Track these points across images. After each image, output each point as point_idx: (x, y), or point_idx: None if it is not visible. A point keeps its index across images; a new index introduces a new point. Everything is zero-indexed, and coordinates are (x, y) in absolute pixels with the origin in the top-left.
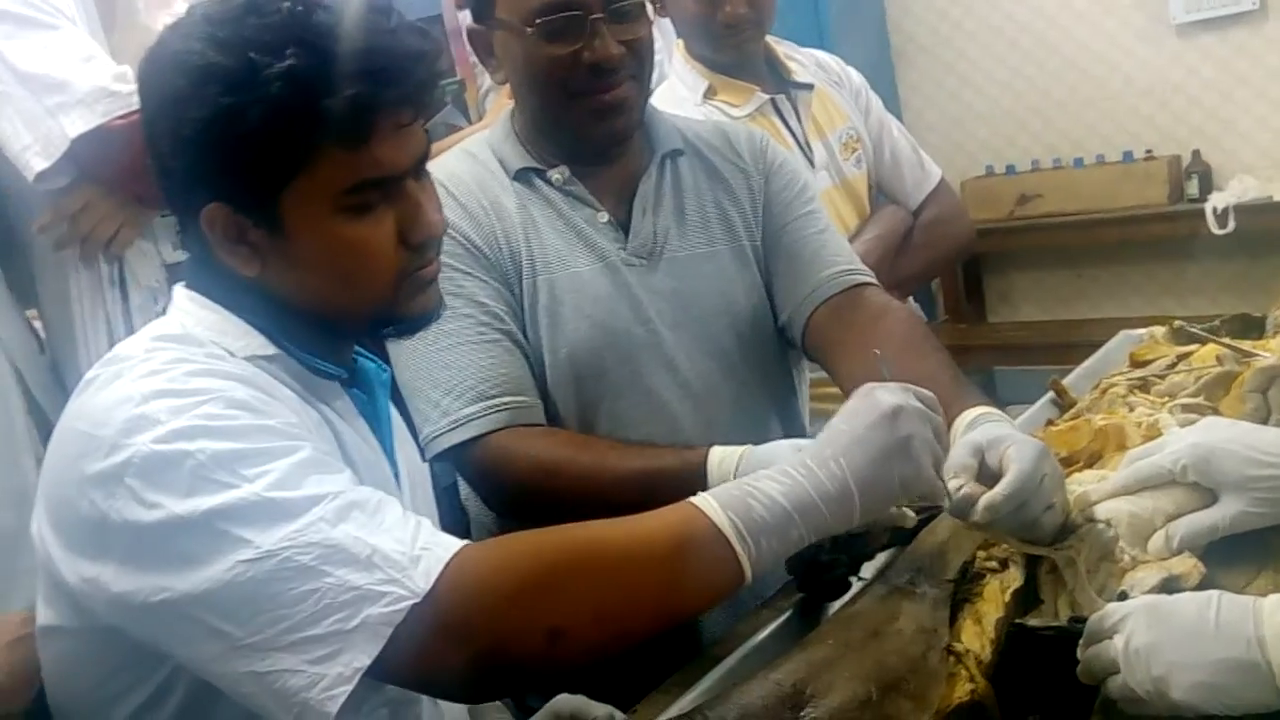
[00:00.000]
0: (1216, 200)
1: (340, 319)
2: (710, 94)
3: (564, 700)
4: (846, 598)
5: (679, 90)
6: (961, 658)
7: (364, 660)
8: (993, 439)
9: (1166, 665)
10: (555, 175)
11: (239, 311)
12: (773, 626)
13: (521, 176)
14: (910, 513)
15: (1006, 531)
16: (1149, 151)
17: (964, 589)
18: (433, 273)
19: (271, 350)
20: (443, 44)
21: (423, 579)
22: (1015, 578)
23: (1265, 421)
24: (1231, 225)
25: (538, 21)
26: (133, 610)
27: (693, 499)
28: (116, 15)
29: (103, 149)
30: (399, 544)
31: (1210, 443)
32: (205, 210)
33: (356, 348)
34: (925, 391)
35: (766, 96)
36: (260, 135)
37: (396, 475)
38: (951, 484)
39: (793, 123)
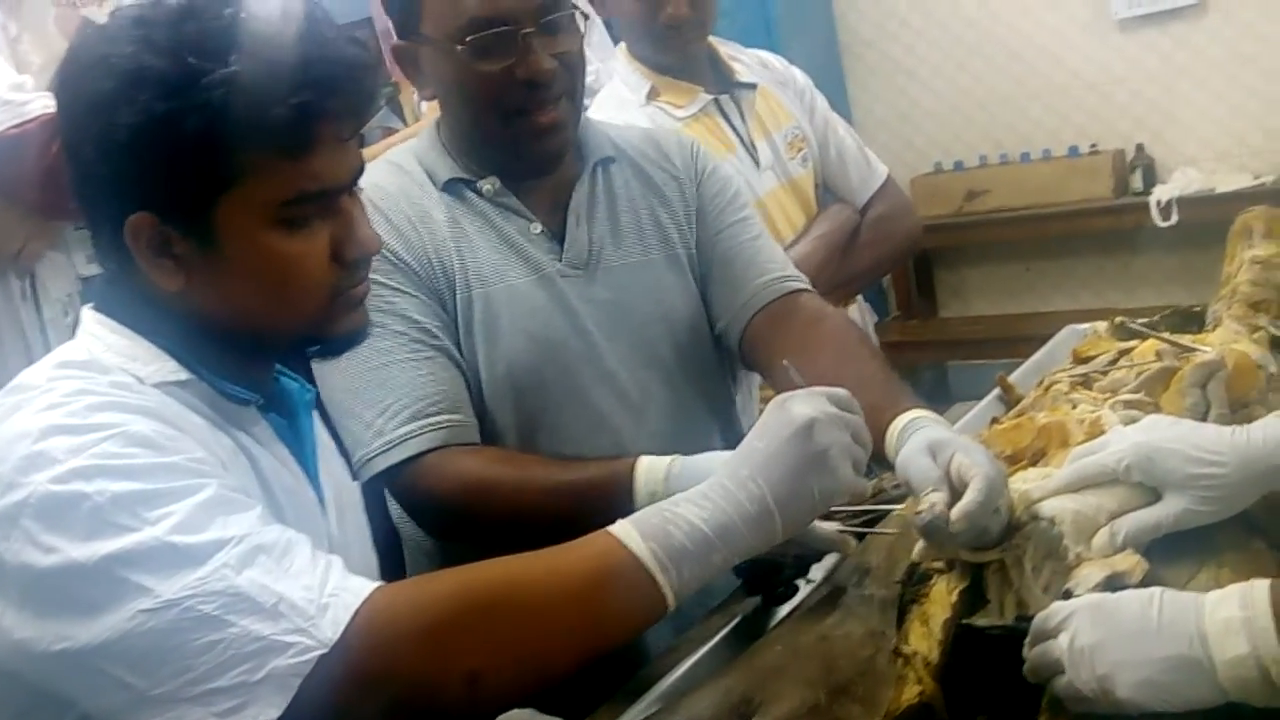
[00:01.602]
0: (1160, 193)
1: (266, 337)
2: (653, 95)
3: (515, 715)
4: (795, 601)
5: (622, 92)
6: (909, 660)
7: (271, 713)
8: (936, 444)
9: (1111, 664)
10: (486, 186)
11: (151, 334)
12: (722, 633)
13: (450, 188)
14: (851, 540)
15: (961, 544)
16: (1094, 146)
17: (911, 590)
18: (363, 292)
19: (184, 375)
20: (378, 51)
21: (330, 628)
22: (961, 578)
23: (1204, 416)
24: (1175, 218)
25: (467, 39)
26: (34, 658)
27: (611, 528)
28: (23, 23)
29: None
30: (306, 590)
31: (1153, 442)
32: (130, 220)
33: (279, 368)
34: (840, 392)
35: (710, 97)
36: (197, 143)
37: (322, 500)
38: (932, 498)
39: (737, 123)
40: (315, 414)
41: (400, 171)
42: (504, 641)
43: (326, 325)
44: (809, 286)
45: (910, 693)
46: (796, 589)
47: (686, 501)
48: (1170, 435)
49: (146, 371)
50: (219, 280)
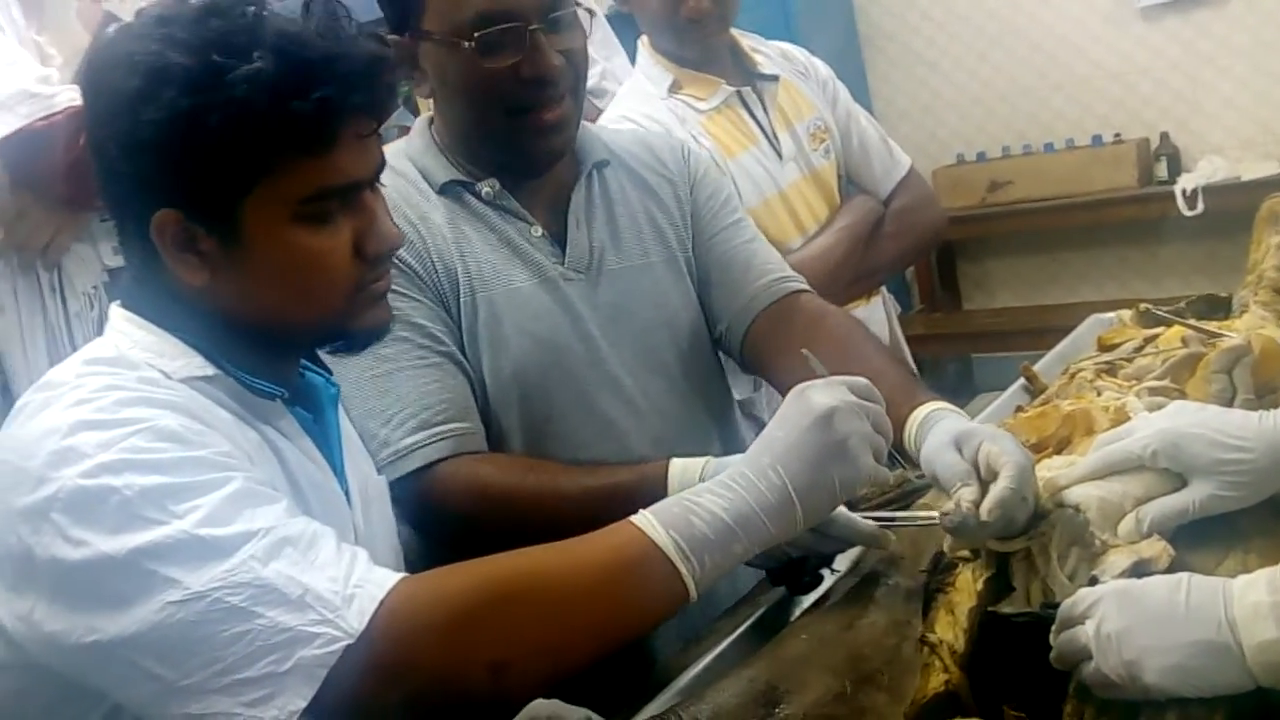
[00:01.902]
0: (1185, 182)
1: (289, 332)
2: (675, 88)
3: (540, 705)
4: (820, 590)
5: (644, 85)
6: (935, 648)
7: (299, 703)
8: (961, 435)
9: (1138, 649)
10: (485, 188)
11: (177, 330)
12: (748, 623)
13: (448, 190)
14: (890, 535)
15: (989, 534)
16: (1117, 135)
17: (936, 579)
18: (385, 286)
19: (210, 370)
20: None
21: (356, 618)
22: (987, 566)
23: (1231, 402)
24: (1201, 206)
25: (475, 35)
26: (65, 651)
27: (633, 518)
28: (45, 18)
29: (26, 152)
30: (332, 582)
31: (1179, 428)
32: (155, 217)
33: (304, 362)
34: (859, 380)
35: (732, 89)
36: (222, 140)
37: (347, 493)
38: (962, 494)
39: (759, 114)
40: (340, 408)
41: (394, 174)
42: (527, 632)
43: (349, 320)
44: (807, 286)
45: (936, 681)
46: (821, 578)
47: (707, 491)
48: (1196, 421)
49: (173, 367)
50: (243, 276)
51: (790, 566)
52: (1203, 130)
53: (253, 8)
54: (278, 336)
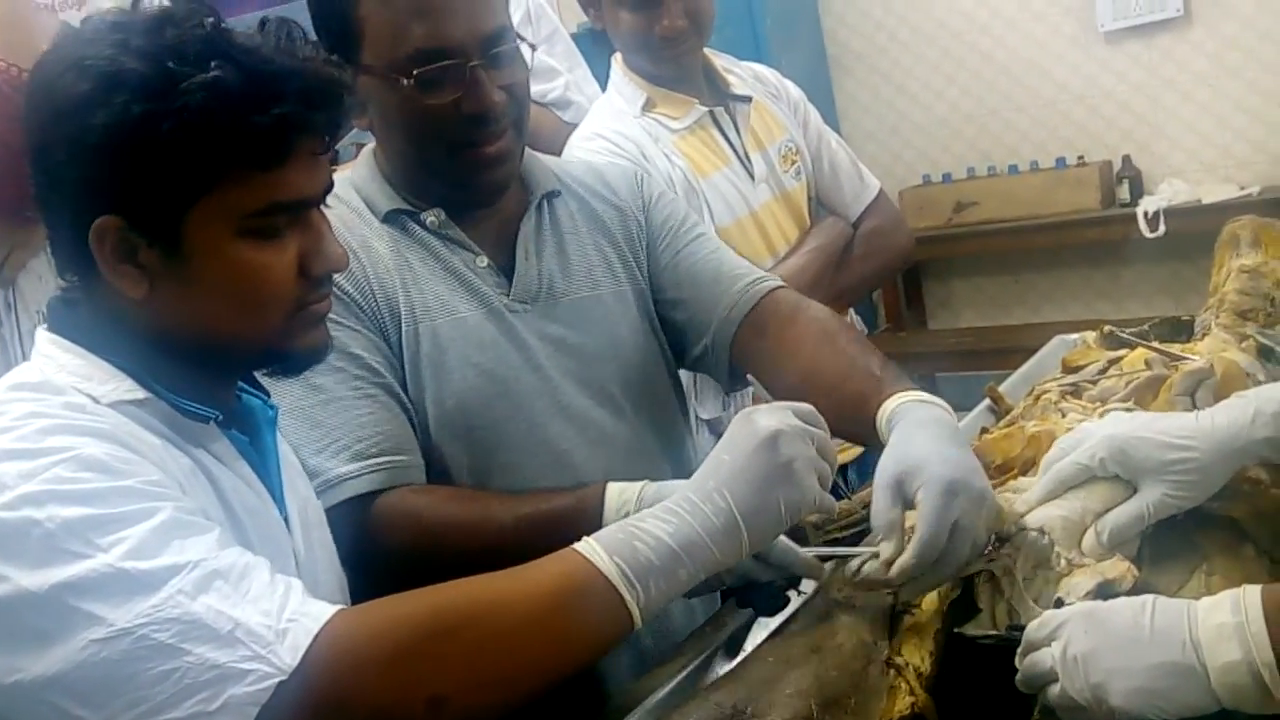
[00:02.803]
0: (1147, 204)
1: (227, 350)
2: (649, 106)
3: None
4: (787, 612)
5: (617, 103)
6: (901, 671)
7: None
8: (909, 469)
9: (1104, 672)
10: (430, 218)
11: (107, 352)
12: (715, 645)
13: (392, 219)
14: (824, 566)
15: (932, 583)
16: (1081, 157)
17: (903, 601)
18: (326, 308)
19: (140, 394)
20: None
21: (289, 654)
22: (953, 589)
23: None
24: (1163, 228)
25: (414, 72)
26: None
27: (577, 545)
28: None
29: None
30: (265, 616)
31: (1123, 433)
32: (96, 224)
33: (242, 384)
34: (803, 406)
35: (705, 109)
36: (173, 148)
37: (287, 519)
38: (883, 547)
39: (731, 135)
40: (279, 431)
41: (338, 201)
42: (468, 664)
43: (288, 340)
44: (780, 282)
45: (902, 704)
46: (788, 600)
47: (652, 517)
48: (1138, 425)
49: (102, 391)
50: (183, 289)
51: (757, 586)
52: (1164, 153)
53: (210, 19)
54: (215, 355)
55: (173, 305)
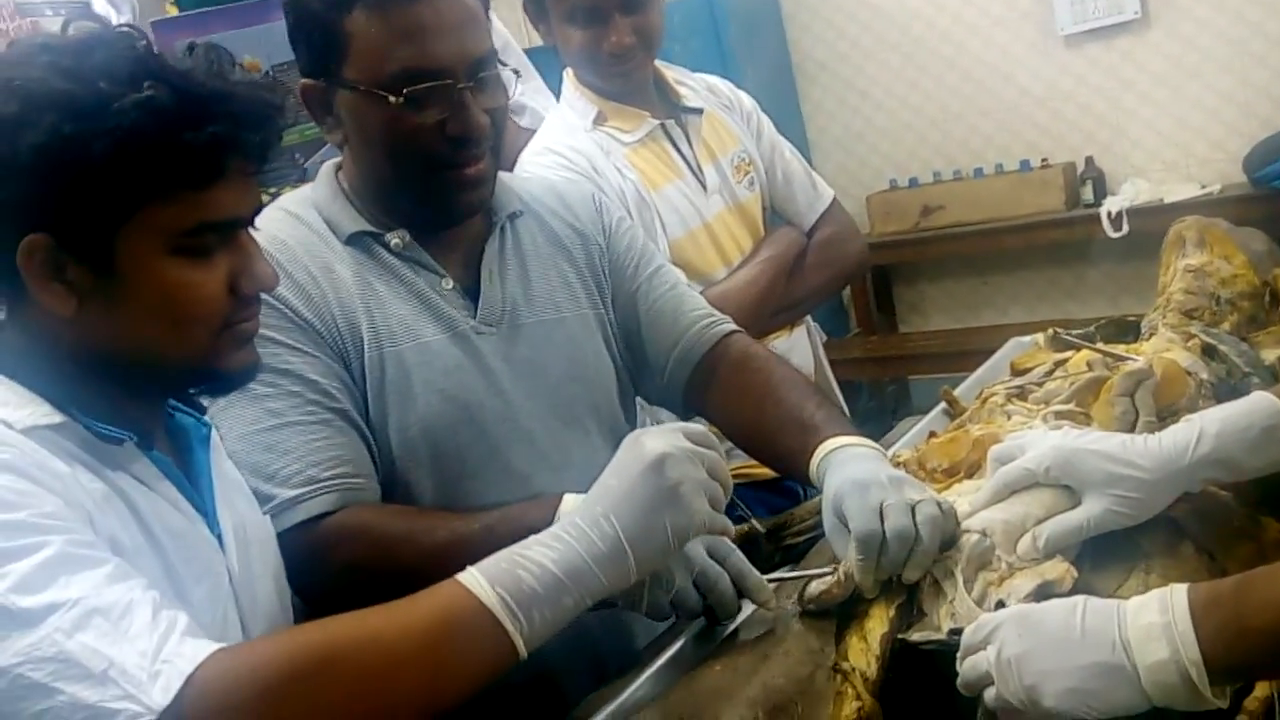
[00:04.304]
0: (1110, 204)
1: (155, 368)
2: (600, 120)
3: None
4: (738, 620)
5: (569, 117)
6: (848, 676)
7: None
8: (833, 497)
9: (1037, 673)
10: (394, 240)
11: (26, 376)
12: (667, 655)
13: (356, 241)
14: (768, 589)
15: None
16: (1044, 160)
17: (850, 606)
18: (254, 328)
19: (57, 418)
20: (287, 102)
21: (161, 694)
22: (899, 593)
23: (1133, 424)
24: (1126, 228)
25: (404, 91)
26: None
27: (459, 576)
28: None
29: None
30: (141, 656)
31: (1071, 445)
32: (25, 242)
33: (176, 404)
34: (696, 427)
35: (657, 122)
36: (107, 167)
37: (220, 537)
38: (852, 558)
39: (684, 147)
40: (215, 449)
41: (298, 222)
42: (345, 701)
43: (215, 359)
44: (735, 326)
45: (849, 709)
46: (739, 608)
47: (537, 543)
48: (1089, 439)
49: (17, 416)
50: (112, 306)
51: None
52: (1126, 154)
53: (143, 42)
54: (142, 374)
55: (100, 323)
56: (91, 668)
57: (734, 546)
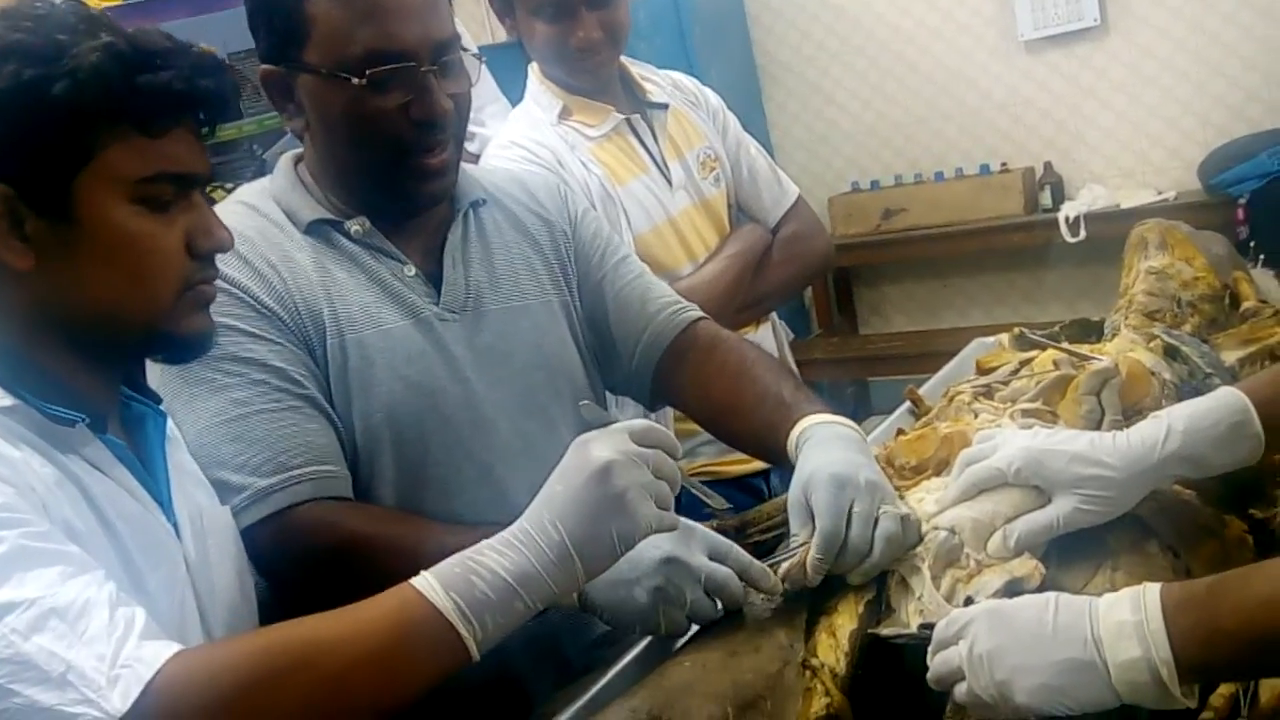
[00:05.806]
0: (1069, 209)
1: (114, 328)
2: (565, 115)
3: None
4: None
5: (534, 111)
6: (817, 672)
7: None
8: (807, 482)
9: (1008, 669)
10: (354, 227)
11: None
12: (634, 651)
13: (315, 229)
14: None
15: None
16: (1004, 164)
17: (819, 602)
18: (212, 293)
19: (8, 401)
20: (237, 85)
21: (120, 699)
22: (868, 589)
23: (1099, 423)
24: (1083, 233)
25: (367, 72)
26: None
27: (413, 580)
28: None
29: None
30: (99, 660)
31: (1040, 445)
32: None
33: (130, 393)
34: (641, 424)
35: (622, 116)
36: (63, 110)
37: (176, 525)
38: (811, 555)
39: (649, 142)
40: (170, 437)
41: (256, 213)
42: (300, 705)
43: (173, 321)
44: (702, 314)
45: (818, 705)
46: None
47: (490, 549)
48: (1057, 439)
49: None
50: (72, 260)
51: None
52: (1084, 160)
53: (94, 13)
54: (100, 336)
55: (59, 280)
56: (49, 670)
57: (732, 543)
